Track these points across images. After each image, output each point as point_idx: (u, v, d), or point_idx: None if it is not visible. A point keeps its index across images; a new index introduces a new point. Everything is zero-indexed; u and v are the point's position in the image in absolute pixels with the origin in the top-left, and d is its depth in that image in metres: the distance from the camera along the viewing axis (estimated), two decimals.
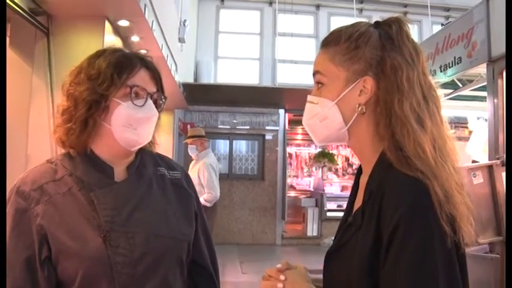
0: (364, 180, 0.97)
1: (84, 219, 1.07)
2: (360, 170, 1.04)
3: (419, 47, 0.96)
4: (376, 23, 0.99)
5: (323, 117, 0.97)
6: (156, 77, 1.20)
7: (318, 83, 0.99)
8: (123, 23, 3.00)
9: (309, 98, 1.01)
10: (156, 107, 1.17)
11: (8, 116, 2.89)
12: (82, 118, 1.10)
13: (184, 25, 6.27)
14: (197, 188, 4.64)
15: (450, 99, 4.66)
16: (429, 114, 0.90)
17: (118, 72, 1.12)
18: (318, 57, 1.00)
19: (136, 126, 1.13)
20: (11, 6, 2.45)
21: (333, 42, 0.98)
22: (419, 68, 0.93)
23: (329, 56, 0.97)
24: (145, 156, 1.25)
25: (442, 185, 0.83)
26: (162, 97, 1.21)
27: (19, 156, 2.77)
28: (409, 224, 0.79)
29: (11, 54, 2.84)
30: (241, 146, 9.14)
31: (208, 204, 4.84)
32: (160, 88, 1.21)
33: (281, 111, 8.97)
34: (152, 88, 1.17)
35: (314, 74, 1.00)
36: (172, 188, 1.26)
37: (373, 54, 0.93)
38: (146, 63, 1.19)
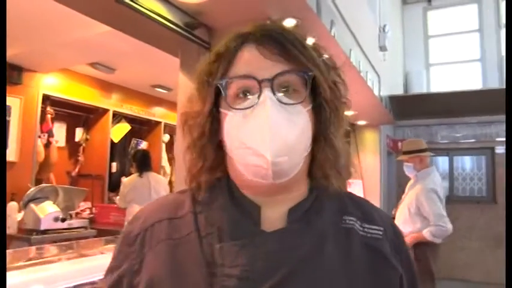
0: None
1: (196, 285, 0.65)
2: None
3: None
4: None
5: None
6: (280, 47, 0.69)
7: None
8: (289, 22, 2.56)
9: None
10: (288, 97, 0.69)
11: None
12: None
13: (384, 31, 5.71)
14: (413, 218, 3.83)
15: None
16: None
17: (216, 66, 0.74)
18: None
19: (250, 143, 0.67)
20: (162, 22, 2.35)
21: None
22: None
23: None
24: (326, 195, 0.75)
25: None
26: (304, 75, 0.69)
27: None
28: None
29: (181, 77, 2.79)
30: (464, 162, 7.82)
31: (437, 241, 3.64)
32: (298, 63, 0.69)
33: None
34: (270, 70, 0.68)
35: None
36: (363, 253, 0.71)
37: None
38: (253, 36, 0.71)
